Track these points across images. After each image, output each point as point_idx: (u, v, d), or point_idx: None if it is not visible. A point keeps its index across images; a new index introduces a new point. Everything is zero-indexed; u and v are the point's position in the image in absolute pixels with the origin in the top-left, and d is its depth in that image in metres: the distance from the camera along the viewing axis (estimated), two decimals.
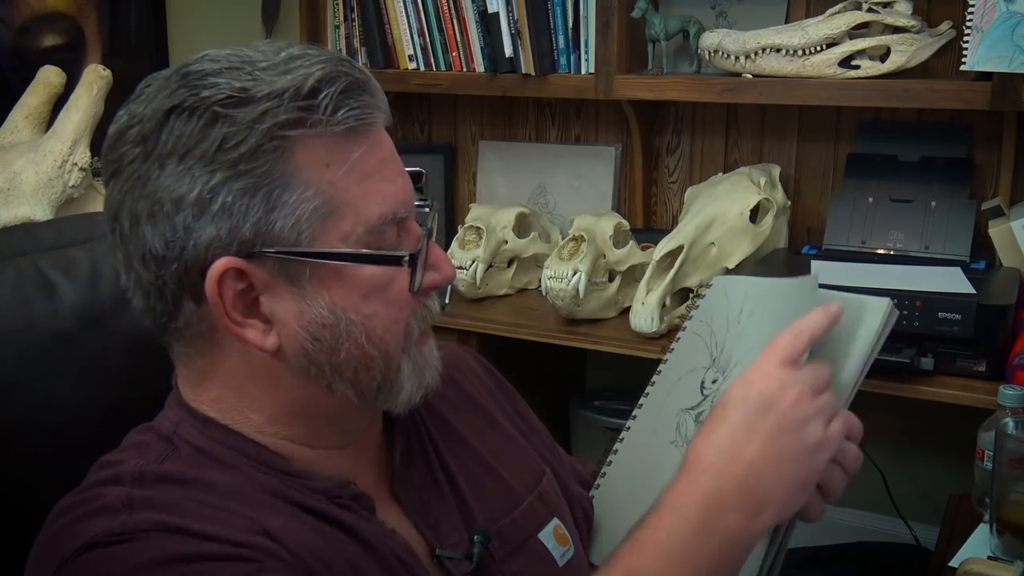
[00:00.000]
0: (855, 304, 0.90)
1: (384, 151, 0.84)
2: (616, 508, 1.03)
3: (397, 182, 0.85)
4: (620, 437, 1.04)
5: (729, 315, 0.98)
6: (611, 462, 1.05)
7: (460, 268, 2.05)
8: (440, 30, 2.23)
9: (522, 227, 2.17)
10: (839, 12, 1.89)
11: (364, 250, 0.81)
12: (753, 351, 0.86)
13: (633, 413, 1.05)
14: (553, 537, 0.97)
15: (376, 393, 0.86)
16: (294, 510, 0.82)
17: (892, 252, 1.96)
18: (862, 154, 2.07)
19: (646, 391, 1.05)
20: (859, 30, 1.89)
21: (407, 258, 0.84)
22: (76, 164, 1.64)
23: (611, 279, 1.99)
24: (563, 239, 1.98)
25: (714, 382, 0.95)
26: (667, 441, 0.97)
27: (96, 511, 0.77)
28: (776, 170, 2.11)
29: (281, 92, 0.77)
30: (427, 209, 0.94)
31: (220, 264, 0.78)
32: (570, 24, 2.11)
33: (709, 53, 1.96)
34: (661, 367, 1.05)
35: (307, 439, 0.87)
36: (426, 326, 0.88)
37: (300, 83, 0.78)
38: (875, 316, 0.89)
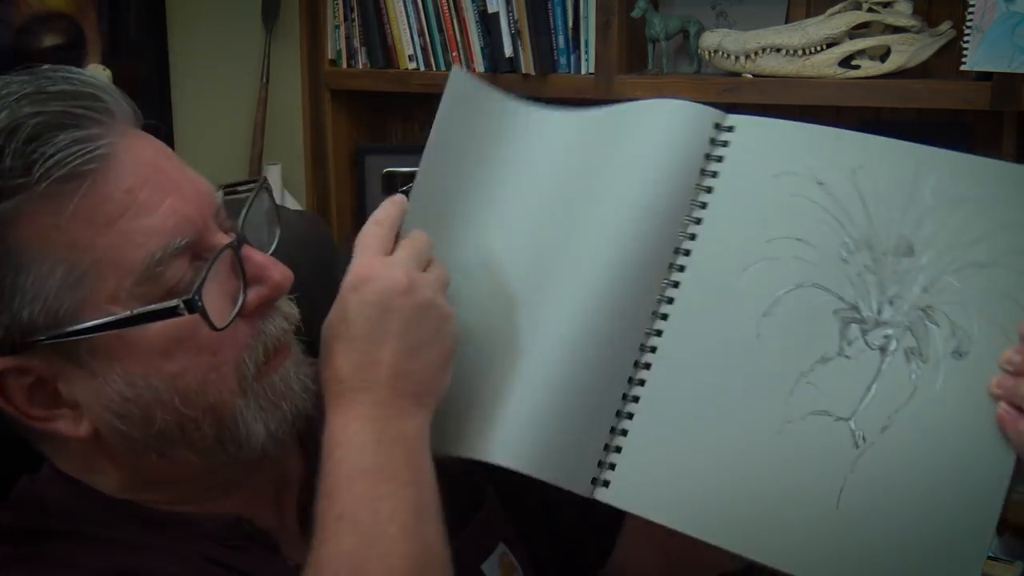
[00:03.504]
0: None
1: (128, 178, 0.68)
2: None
3: (163, 205, 0.69)
4: (622, 430, 0.78)
5: (888, 191, 0.67)
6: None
7: None
8: (440, 30, 2.23)
9: None
10: (839, 12, 1.89)
11: (134, 311, 0.68)
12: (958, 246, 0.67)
13: (645, 363, 0.77)
14: (499, 567, 0.87)
15: (219, 449, 0.74)
16: (170, 558, 0.74)
17: None
18: None
19: (662, 323, 0.74)
20: (859, 30, 1.89)
21: (180, 305, 0.68)
22: None
23: None
24: None
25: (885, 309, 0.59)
26: (783, 419, 0.65)
27: None
28: None
29: None
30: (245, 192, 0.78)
31: None
32: (570, 24, 2.11)
33: (709, 53, 1.96)
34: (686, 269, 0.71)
35: (173, 499, 0.77)
36: (279, 346, 0.75)
37: None
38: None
